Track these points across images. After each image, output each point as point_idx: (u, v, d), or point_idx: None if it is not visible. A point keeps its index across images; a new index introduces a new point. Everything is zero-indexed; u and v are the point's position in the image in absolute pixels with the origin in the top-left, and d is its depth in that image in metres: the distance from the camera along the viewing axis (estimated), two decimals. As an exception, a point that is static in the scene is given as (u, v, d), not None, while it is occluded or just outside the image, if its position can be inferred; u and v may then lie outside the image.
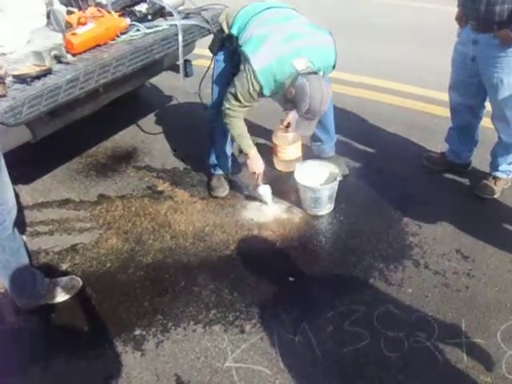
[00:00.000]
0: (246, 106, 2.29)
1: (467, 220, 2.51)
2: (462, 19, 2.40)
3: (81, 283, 2.24)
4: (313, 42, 2.19)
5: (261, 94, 2.22)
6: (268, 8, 2.28)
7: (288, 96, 2.16)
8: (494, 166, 2.63)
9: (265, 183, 2.63)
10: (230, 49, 2.37)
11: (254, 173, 2.56)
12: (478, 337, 1.91)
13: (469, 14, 2.30)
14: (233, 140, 2.59)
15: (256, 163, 2.54)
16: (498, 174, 2.62)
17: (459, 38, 2.45)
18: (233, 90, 2.24)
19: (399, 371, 1.81)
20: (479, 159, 2.86)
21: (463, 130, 2.71)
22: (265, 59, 2.12)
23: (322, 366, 1.85)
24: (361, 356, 1.87)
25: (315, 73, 2.14)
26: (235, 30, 2.28)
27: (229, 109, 2.31)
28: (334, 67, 2.30)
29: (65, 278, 2.22)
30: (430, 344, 1.90)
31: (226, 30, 2.34)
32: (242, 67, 2.21)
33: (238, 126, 2.39)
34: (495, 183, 2.62)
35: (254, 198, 2.72)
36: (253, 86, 2.17)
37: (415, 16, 5.51)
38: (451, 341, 1.90)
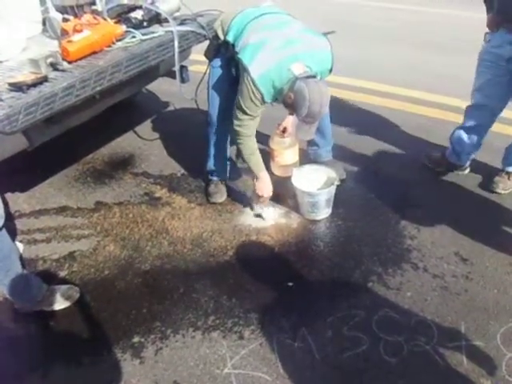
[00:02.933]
0: (254, 117, 2.27)
1: (465, 222, 2.51)
2: (495, 25, 2.42)
3: (79, 294, 2.21)
4: (309, 47, 2.19)
5: (263, 102, 2.21)
6: (263, 14, 2.28)
7: (288, 101, 2.15)
8: (508, 162, 2.70)
9: (269, 206, 2.64)
10: (225, 55, 2.36)
11: (261, 196, 2.53)
12: (478, 340, 1.91)
13: (508, 18, 2.33)
14: (232, 144, 2.59)
15: (264, 186, 2.50)
16: (510, 169, 2.70)
17: (491, 41, 2.46)
18: (238, 105, 2.24)
19: (399, 376, 1.80)
20: (478, 161, 2.87)
21: (475, 129, 2.71)
22: (262, 66, 2.11)
23: (322, 371, 1.85)
24: (360, 361, 1.87)
25: (313, 76, 2.14)
26: (231, 36, 2.27)
27: (239, 125, 2.30)
28: (330, 71, 2.30)
29: (63, 287, 2.21)
30: (429, 348, 1.89)
31: (222, 37, 2.33)
32: (242, 77, 2.20)
33: (249, 145, 2.38)
34: (509, 177, 2.69)
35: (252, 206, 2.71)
36: (254, 95, 2.16)
37: (415, 19, 5.54)
38: (451, 344, 1.90)
